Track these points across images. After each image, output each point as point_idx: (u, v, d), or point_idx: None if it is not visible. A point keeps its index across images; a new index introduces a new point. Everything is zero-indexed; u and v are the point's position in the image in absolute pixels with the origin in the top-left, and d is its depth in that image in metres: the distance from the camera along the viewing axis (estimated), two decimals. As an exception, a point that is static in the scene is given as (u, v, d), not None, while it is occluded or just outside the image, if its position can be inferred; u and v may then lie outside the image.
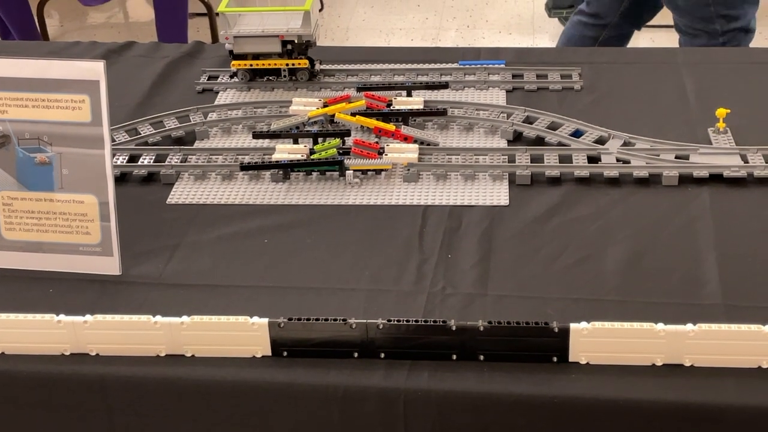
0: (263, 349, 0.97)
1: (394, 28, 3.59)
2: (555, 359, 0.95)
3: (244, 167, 1.25)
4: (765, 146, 1.23)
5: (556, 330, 0.94)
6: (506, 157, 1.26)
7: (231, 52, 1.44)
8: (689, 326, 0.92)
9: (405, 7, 3.71)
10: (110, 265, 1.08)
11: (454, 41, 3.43)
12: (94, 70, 1.02)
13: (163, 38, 2.73)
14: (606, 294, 1.04)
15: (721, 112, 1.27)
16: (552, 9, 3.37)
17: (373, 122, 1.31)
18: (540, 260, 1.10)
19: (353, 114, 1.33)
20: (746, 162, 1.21)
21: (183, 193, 1.23)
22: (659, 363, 0.94)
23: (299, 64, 1.45)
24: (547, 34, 3.45)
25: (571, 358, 0.95)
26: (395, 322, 0.96)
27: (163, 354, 0.98)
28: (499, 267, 1.09)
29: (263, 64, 1.45)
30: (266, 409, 0.96)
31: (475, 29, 3.54)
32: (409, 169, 1.24)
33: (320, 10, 3.88)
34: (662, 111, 1.36)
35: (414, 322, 0.96)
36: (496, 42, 3.41)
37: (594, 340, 0.94)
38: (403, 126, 1.33)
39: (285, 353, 0.97)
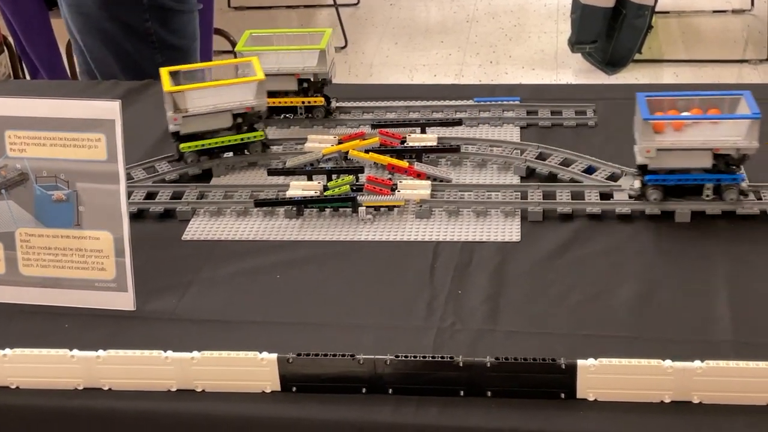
0: (273, 384, 0.98)
1: (418, 64, 3.63)
2: (563, 395, 0.95)
3: (258, 203, 1.26)
4: (779, 184, 1.23)
5: (564, 366, 0.94)
6: (519, 193, 1.27)
7: (248, 90, 1.46)
8: (697, 363, 0.92)
9: (428, 44, 3.74)
10: (125, 301, 1.09)
11: (477, 77, 3.46)
12: (110, 109, 1.05)
13: (188, 76, 2.76)
14: (616, 330, 1.04)
15: (733, 148, 1.26)
16: (575, 44, 3.39)
17: (386, 159, 1.33)
18: (550, 296, 1.10)
19: (367, 151, 1.35)
20: (760, 199, 1.21)
21: (198, 229, 1.25)
22: (667, 400, 0.93)
23: (315, 101, 1.47)
24: (571, 69, 3.47)
25: (579, 395, 0.95)
26: (403, 358, 0.96)
27: (174, 389, 0.99)
28: (510, 303, 1.09)
29: (280, 102, 1.47)
30: (275, 445, 0.97)
31: (498, 65, 3.56)
32: (421, 206, 1.25)
33: (344, 47, 3.91)
34: (676, 147, 1.36)
35: (422, 358, 0.96)
36: (519, 77, 3.43)
37: (601, 377, 0.93)
38: (416, 163, 1.34)
39: (294, 389, 0.98)
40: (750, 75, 3.38)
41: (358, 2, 4.08)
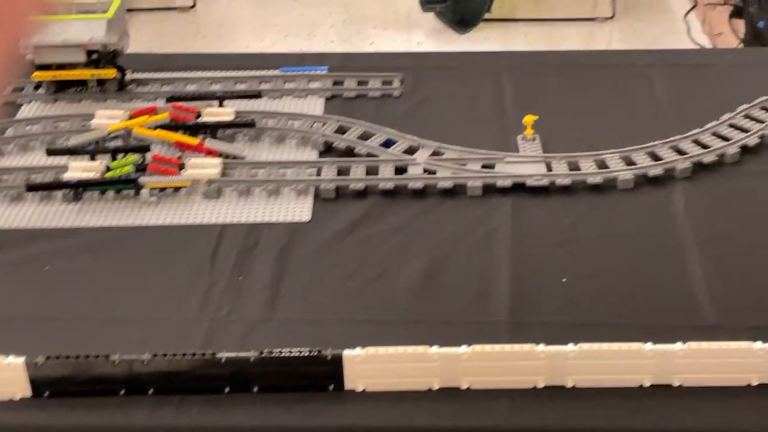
0: (22, 390, 0.91)
1: (269, 24, 3.53)
2: (331, 388, 0.91)
3: (31, 187, 1.18)
4: (570, 154, 1.21)
5: (329, 358, 0.90)
6: (314, 169, 1.22)
7: (33, 62, 1.37)
8: (463, 348, 0.89)
9: (282, 1, 3.64)
10: None
11: (329, 37, 3.39)
12: None
13: None
14: (396, 314, 1.01)
15: (528, 119, 1.25)
16: (424, 4, 3.35)
17: (174, 136, 1.25)
18: (333, 279, 1.06)
19: (155, 127, 1.27)
20: (550, 170, 1.19)
21: (-36, 218, 1.16)
22: (436, 387, 0.91)
23: (106, 74, 1.38)
24: (422, 29, 3.43)
25: (347, 386, 0.91)
26: (161, 357, 0.90)
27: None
28: (290, 289, 1.05)
29: (67, 75, 1.37)
30: (25, 455, 0.90)
31: (351, 24, 3.50)
32: (209, 186, 1.19)
33: (192, 7, 3.76)
34: (477, 118, 1.34)
35: (182, 356, 0.91)
36: (370, 37, 3.38)
37: (369, 366, 0.90)
38: (209, 139, 1.27)
39: (47, 393, 0.91)
40: (599, 32, 3.42)
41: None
